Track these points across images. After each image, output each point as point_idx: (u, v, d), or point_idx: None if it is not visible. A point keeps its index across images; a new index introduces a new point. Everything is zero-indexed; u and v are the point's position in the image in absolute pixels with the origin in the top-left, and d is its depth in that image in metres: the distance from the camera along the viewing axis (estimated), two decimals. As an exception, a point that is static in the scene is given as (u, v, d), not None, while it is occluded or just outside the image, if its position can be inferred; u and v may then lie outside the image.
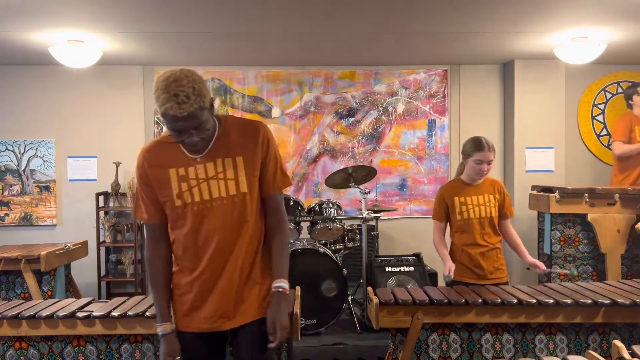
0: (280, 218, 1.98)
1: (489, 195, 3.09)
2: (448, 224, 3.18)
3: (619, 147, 4.92)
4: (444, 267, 2.99)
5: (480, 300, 2.50)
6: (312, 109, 5.53)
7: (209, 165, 1.85)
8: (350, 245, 4.46)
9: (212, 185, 1.85)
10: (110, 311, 2.34)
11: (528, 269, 3.12)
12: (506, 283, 3.07)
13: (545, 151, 5.36)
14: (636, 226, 3.65)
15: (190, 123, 1.72)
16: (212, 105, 1.80)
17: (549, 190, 4.42)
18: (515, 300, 2.50)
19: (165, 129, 2.62)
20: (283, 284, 1.91)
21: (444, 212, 3.14)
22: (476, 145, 3.05)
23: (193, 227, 1.86)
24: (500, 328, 2.55)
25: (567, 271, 3.09)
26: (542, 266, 3.07)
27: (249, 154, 1.88)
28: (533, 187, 4.73)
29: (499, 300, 2.50)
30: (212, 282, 1.87)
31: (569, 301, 2.49)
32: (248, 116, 5.37)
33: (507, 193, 3.18)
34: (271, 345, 1.84)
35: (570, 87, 5.43)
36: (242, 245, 1.88)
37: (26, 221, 5.39)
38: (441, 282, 4.72)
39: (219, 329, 1.90)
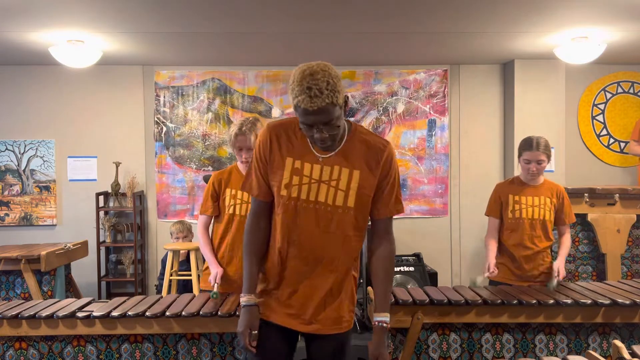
0: (390, 244, 1.93)
1: (545, 197, 3.04)
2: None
3: (631, 148, 4.98)
4: (486, 266, 2.96)
5: (480, 301, 2.50)
6: (312, 109, 5.52)
7: (326, 168, 1.82)
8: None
9: (322, 189, 1.82)
10: (110, 311, 2.33)
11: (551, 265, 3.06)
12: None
13: (545, 151, 5.35)
14: None
15: (321, 117, 1.70)
16: (346, 103, 1.78)
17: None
18: (515, 300, 2.50)
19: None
20: (386, 318, 1.88)
21: (499, 208, 3.11)
22: (526, 144, 3.04)
23: (290, 221, 1.83)
24: (500, 328, 2.55)
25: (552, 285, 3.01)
26: (562, 275, 2.92)
27: (367, 171, 1.84)
28: (533, 187, 4.72)
29: (499, 300, 2.50)
30: (298, 282, 1.85)
31: (569, 301, 2.49)
32: (248, 116, 5.37)
33: (567, 199, 3.10)
34: None
35: (570, 87, 5.43)
36: (335, 258, 1.85)
37: (26, 221, 5.39)
38: (441, 282, 4.73)
39: (294, 328, 1.88)
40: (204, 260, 2.83)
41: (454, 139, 5.58)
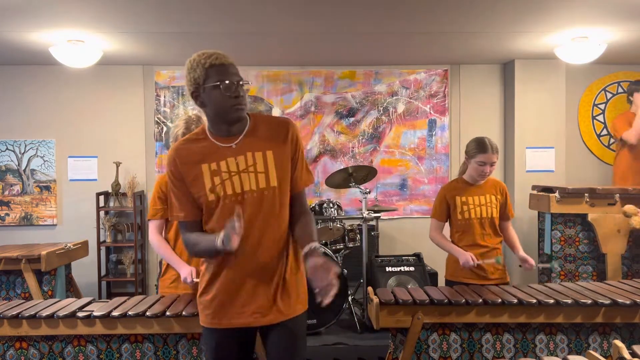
0: (307, 211, 1.99)
1: (490, 195, 3.09)
2: (447, 224, 3.18)
3: (630, 135, 4.82)
4: (461, 257, 2.95)
5: (480, 300, 2.50)
6: (313, 108, 5.53)
7: (239, 158, 1.87)
8: (351, 245, 4.46)
9: (244, 178, 1.87)
10: (111, 311, 2.33)
11: (520, 266, 3.10)
12: (507, 284, 3.07)
13: (545, 151, 5.36)
14: (624, 208, 3.59)
15: (237, 74, 1.85)
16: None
17: (549, 190, 4.41)
18: (515, 300, 2.50)
19: (168, 137, 2.62)
20: (316, 244, 1.84)
21: (445, 211, 3.14)
22: (480, 146, 3.04)
23: (225, 219, 1.82)
24: (500, 328, 2.55)
25: (548, 265, 3.09)
26: (532, 262, 3.02)
27: (278, 149, 1.90)
28: (533, 187, 4.73)
29: (500, 300, 2.50)
30: (244, 276, 1.87)
31: (569, 301, 2.49)
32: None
33: (508, 194, 3.19)
34: (325, 301, 1.72)
35: (570, 87, 5.43)
36: (273, 239, 1.89)
37: (26, 221, 5.39)
38: (442, 282, 4.72)
39: (253, 324, 1.89)
40: (160, 269, 2.73)
41: (454, 138, 5.58)
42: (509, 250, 3.27)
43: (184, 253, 2.57)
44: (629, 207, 3.66)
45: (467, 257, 2.94)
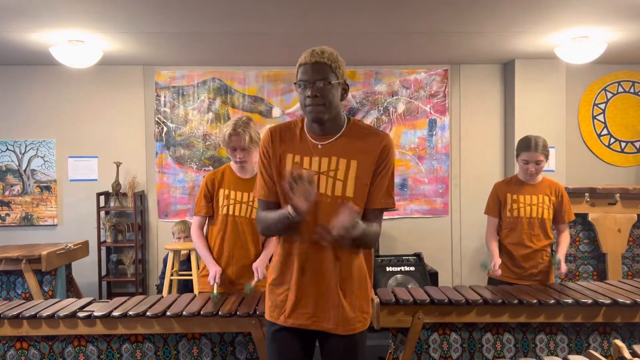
0: (375, 227, 1.89)
1: (544, 196, 3.05)
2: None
3: None
4: (492, 261, 2.99)
5: (480, 300, 2.50)
6: (313, 108, 5.52)
7: (324, 160, 1.85)
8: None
9: (322, 180, 1.84)
10: (111, 311, 2.34)
11: (551, 262, 3.06)
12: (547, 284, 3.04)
13: (546, 151, 5.35)
14: None
15: (317, 74, 1.81)
16: (346, 86, 1.89)
17: (549, 189, 4.41)
18: (516, 300, 2.50)
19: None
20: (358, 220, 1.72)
21: (497, 207, 3.12)
22: (524, 144, 3.03)
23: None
24: (501, 328, 2.55)
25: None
26: (564, 269, 2.98)
27: (364, 161, 1.86)
28: (534, 187, 4.72)
29: (500, 300, 2.50)
30: (308, 278, 1.85)
31: (569, 301, 2.49)
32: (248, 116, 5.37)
33: (567, 197, 3.10)
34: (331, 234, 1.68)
35: (570, 87, 5.43)
36: (341, 251, 1.84)
37: (27, 221, 5.39)
38: (442, 282, 4.73)
39: (311, 326, 1.87)
40: (198, 264, 2.84)
41: (455, 138, 5.58)
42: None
43: (216, 251, 2.70)
44: None
45: (493, 265, 2.96)
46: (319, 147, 1.87)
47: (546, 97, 5.32)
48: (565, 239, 3.10)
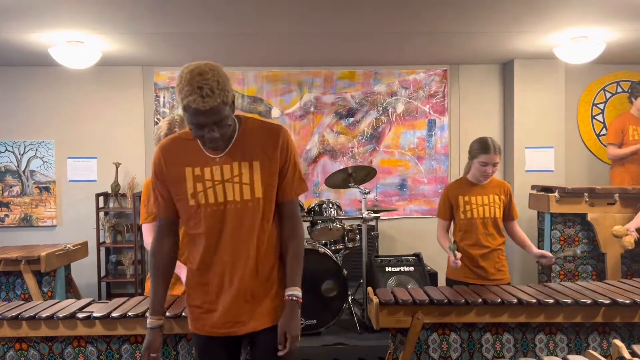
0: (296, 225, 1.94)
1: (494, 195, 3.08)
2: (452, 223, 3.18)
3: (611, 151, 5.01)
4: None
5: (480, 300, 2.50)
6: (312, 109, 5.53)
7: (225, 167, 1.82)
8: (350, 245, 4.46)
9: (227, 188, 1.82)
10: (111, 312, 2.33)
11: (537, 262, 3.10)
12: (507, 284, 3.06)
13: (545, 151, 5.36)
14: (613, 230, 3.54)
15: (212, 118, 1.69)
16: (233, 102, 1.78)
17: (548, 190, 4.42)
18: (515, 300, 2.50)
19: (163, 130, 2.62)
20: (297, 292, 1.87)
21: (449, 210, 3.14)
22: (482, 146, 3.04)
23: (206, 228, 1.83)
24: (500, 328, 2.55)
25: (570, 253, 3.06)
26: (549, 254, 3.04)
27: (266, 159, 1.84)
28: (533, 187, 4.73)
29: (499, 300, 2.50)
30: (223, 286, 1.85)
31: (569, 301, 2.49)
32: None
33: (512, 195, 3.17)
34: (280, 353, 1.82)
35: (570, 87, 5.43)
36: (256, 252, 1.85)
37: (26, 222, 5.39)
38: (442, 282, 4.72)
39: (234, 333, 1.87)
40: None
41: (454, 139, 5.58)
42: (511, 250, 3.26)
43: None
44: (618, 229, 3.61)
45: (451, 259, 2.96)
46: (217, 159, 1.83)
47: (545, 97, 5.32)
48: (523, 235, 3.18)
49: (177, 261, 2.57)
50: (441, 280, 4.82)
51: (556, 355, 2.52)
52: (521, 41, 4.62)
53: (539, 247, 4.57)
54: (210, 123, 1.70)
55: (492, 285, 2.85)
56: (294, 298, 1.86)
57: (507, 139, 5.51)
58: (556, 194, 4.25)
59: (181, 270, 2.54)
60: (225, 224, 1.83)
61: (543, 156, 5.36)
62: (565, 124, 5.40)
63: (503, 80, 5.57)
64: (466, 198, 3.09)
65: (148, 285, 2.71)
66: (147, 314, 1.93)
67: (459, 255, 2.90)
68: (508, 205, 3.13)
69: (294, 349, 1.83)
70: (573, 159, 5.49)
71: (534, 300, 2.49)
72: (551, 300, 2.49)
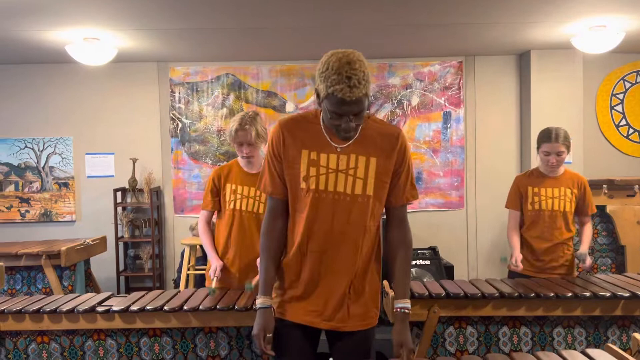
0: (406, 232, 1.92)
1: (566, 188, 3.01)
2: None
3: None
4: (512, 258, 2.96)
5: (497, 294, 2.48)
6: (326, 102, 5.51)
7: (342, 157, 1.80)
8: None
9: (340, 178, 1.79)
10: (129, 305, 2.37)
11: (574, 256, 3.04)
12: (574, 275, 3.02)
13: (562, 142, 5.29)
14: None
15: (354, 108, 1.69)
16: (368, 102, 1.80)
17: (566, 182, 4.35)
18: (532, 294, 2.48)
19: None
20: (407, 304, 1.85)
21: (518, 201, 3.09)
22: (545, 135, 3.01)
23: (311, 213, 1.80)
24: (517, 321, 2.53)
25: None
26: (589, 263, 2.96)
27: (383, 158, 1.82)
28: (550, 179, 4.67)
29: (516, 293, 2.49)
30: (319, 277, 1.83)
31: (587, 294, 2.46)
32: (262, 111, 5.39)
33: (589, 189, 3.07)
34: None
35: (588, 77, 5.34)
36: (357, 249, 1.82)
37: (46, 217, 5.48)
38: (458, 276, 4.71)
39: (316, 325, 1.86)
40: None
41: (470, 131, 5.54)
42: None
43: (221, 246, 2.72)
44: None
45: (513, 258, 2.93)
46: (338, 149, 1.81)
47: (563, 88, 5.24)
48: (588, 232, 3.07)
49: (213, 251, 2.73)
50: (458, 274, 4.80)
51: (575, 349, 2.50)
52: (538, 31, 4.55)
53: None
54: (351, 113, 1.71)
55: (558, 279, 2.82)
56: (406, 311, 1.84)
57: (524, 131, 5.45)
58: (574, 186, 4.19)
59: (212, 260, 2.69)
60: (332, 215, 1.79)
61: (561, 148, 5.28)
62: (584, 115, 5.32)
63: (519, 71, 5.50)
64: (535, 189, 3.03)
65: (206, 275, 2.81)
66: (258, 295, 1.87)
67: (517, 258, 2.90)
68: (582, 200, 3.04)
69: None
70: (591, 150, 5.41)
71: (552, 294, 2.46)
72: (569, 294, 2.47)
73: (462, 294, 2.49)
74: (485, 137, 5.53)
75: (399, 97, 5.53)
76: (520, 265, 2.91)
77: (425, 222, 5.47)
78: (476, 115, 5.53)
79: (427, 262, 4.23)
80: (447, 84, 5.53)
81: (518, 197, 3.09)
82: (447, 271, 4.36)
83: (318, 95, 1.76)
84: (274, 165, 1.86)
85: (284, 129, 1.85)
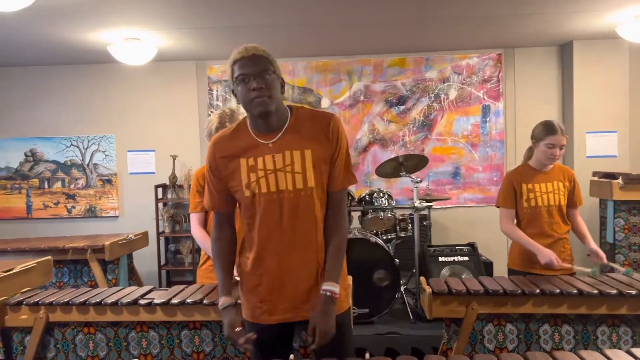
0: (340, 217, 1.93)
1: (558, 182, 2.98)
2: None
3: None
4: (542, 256, 2.83)
5: (537, 291, 2.43)
6: (362, 98, 5.50)
7: (277, 156, 1.84)
8: (402, 234, 4.42)
9: (280, 177, 1.83)
10: (170, 299, 2.42)
11: (588, 255, 2.99)
12: (573, 275, 2.95)
13: (607, 135, 5.12)
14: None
15: (256, 67, 1.78)
16: (282, 84, 1.86)
17: (611, 176, 4.22)
18: (575, 291, 2.42)
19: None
20: (333, 287, 1.84)
21: (512, 198, 3.03)
22: (548, 128, 2.95)
23: (261, 218, 1.85)
24: (559, 319, 2.47)
25: (622, 270, 2.88)
26: (604, 257, 2.92)
27: (318, 148, 1.85)
28: (594, 174, 4.54)
29: (558, 290, 2.42)
30: (281, 276, 1.87)
31: (633, 292, 2.38)
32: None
33: (577, 181, 3.05)
34: (312, 347, 1.81)
35: (634, 67, 5.14)
36: (310, 239, 1.86)
37: (91, 213, 5.67)
38: (497, 272, 4.62)
39: (292, 319, 1.90)
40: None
41: (510, 124, 5.42)
42: (573, 239, 3.14)
43: None
44: None
45: (549, 256, 2.82)
46: (270, 145, 1.85)
47: (607, 79, 5.07)
48: (584, 226, 3.05)
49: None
50: (497, 270, 4.71)
51: (620, 349, 2.42)
52: (580, 21, 4.41)
53: (601, 237, 4.39)
54: (254, 74, 1.77)
55: (552, 276, 2.77)
56: (328, 293, 1.83)
57: (566, 124, 5.29)
58: (620, 180, 4.06)
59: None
60: (282, 213, 1.84)
61: (605, 141, 5.12)
62: (630, 106, 5.12)
63: (561, 62, 5.35)
64: (529, 185, 2.98)
65: (198, 273, 2.81)
66: (218, 299, 1.93)
67: (550, 256, 2.83)
68: (572, 192, 3.01)
69: (324, 343, 1.79)
70: (638, 143, 5.21)
71: (596, 291, 2.39)
72: (614, 291, 2.39)
73: (501, 291, 2.45)
74: (526, 131, 5.31)
75: (436, 90, 5.46)
76: (558, 262, 2.82)
77: (463, 218, 5.39)
78: (516, 108, 5.40)
79: (466, 258, 4.17)
80: (485, 77, 5.42)
81: (512, 195, 3.03)
82: (486, 268, 4.28)
83: (234, 93, 1.86)
84: (212, 183, 1.93)
85: (215, 148, 1.92)
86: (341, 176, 1.91)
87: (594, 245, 2.98)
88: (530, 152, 3.09)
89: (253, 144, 1.87)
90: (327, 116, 1.91)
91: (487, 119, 5.44)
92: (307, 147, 1.85)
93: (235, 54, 1.82)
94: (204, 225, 2.73)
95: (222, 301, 1.92)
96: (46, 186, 5.66)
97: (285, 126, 1.86)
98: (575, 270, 2.90)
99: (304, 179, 1.84)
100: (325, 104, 5.50)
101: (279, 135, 1.85)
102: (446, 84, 5.45)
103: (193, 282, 5.29)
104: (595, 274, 2.68)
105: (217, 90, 5.56)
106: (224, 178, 1.90)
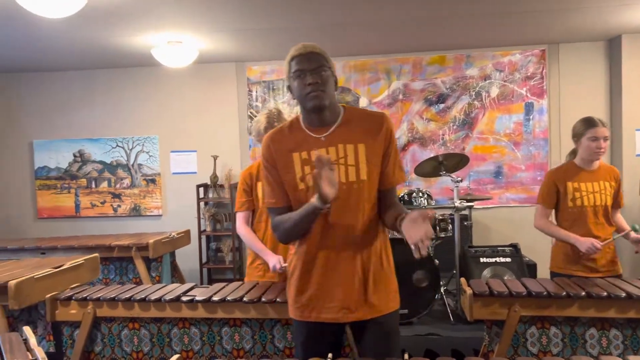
0: (396, 204, 1.92)
1: (604, 182, 2.89)
2: (553, 212, 3.00)
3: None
4: (582, 245, 2.77)
5: (583, 293, 2.35)
6: (400, 96, 5.46)
7: (330, 149, 1.86)
8: (442, 235, 4.36)
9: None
10: (211, 296, 2.47)
11: (637, 252, 2.85)
12: (618, 276, 2.85)
13: (659, 133, 4.91)
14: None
15: (311, 63, 1.82)
16: (336, 81, 1.90)
17: (663, 175, 4.04)
18: (624, 294, 2.33)
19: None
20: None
21: (554, 197, 2.95)
22: (587, 122, 2.91)
23: None
24: (607, 323, 2.39)
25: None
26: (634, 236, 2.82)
27: (371, 143, 1.87)
28: (645, 172, 4.36)
29: (605, 293, 2.34)
30: (332, 271, 1.88)
31: (687, 296, 2.28)
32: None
33: (621, 182, 2.99)
34: (420, 254, 1.59)
35: (688, 61, 4.91)
36: (361, 232, 1.87)
37: (135, 212, 5.83)
38: (541, 274, 4.50)
39: (341, 320, 1.89)
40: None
41: (554, 122, 5.26)
42: (621, 240, 3.02)
43: (269, 243, 2.71)
44: None
45: (588, 242, 2.74)
46: (322, 139, 1.86)
47: (659, 74, 4.86)
48: (624, 221, 2.98)
49: (265, 248, 2.69)
50: (541, 272, 4.59)
51: (672, 355, 2.32)
52: (629, 14, 4.24)
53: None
54: (310, 69, 1.81)
55: (598, 278, 2.68)
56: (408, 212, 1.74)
57: (614, 121, 5.11)
58: (672, 179, 3.88)
59: (268, 257, 2.67)
60: (332, 205, 1.82)
61: (657, 138, 4.91)
62: (684, 102, 4.90)
63: (609, 57, 5.16)
64: (575, 184, 2.89)
65: (248, 271, 2.86)
66: (313, 202, 1.77)
67: (594, 243, 2.76)
68: (617, 192, 2.93)
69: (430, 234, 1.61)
70: (693, 140, 4.97)
71: (646, 295, 2.30)
72: (666, 295, 2.29)
73: (544, 293, 2.38)
74: (571, 129, 5.23)
75: (477, 88, 5.36)
76: (600, 245, 2.75)
77: (506, 218, 5.27)
78: (560, 106, 5.25)
79: (508, 259, 4.07)
80: (528, 74, 5.29)
81: (554, 194, 2.94)
82: (530, 270, 4.17)
83: (290, 89, 1.91)
84: (272, 176, 1.93)
85: (270, 140, 1.94)
86: (395, 173, 1.93)
87: (634, 235, 2.86)
88: (573, 154, 3.00)
89: (306, 138, 1.90)
90: (380, 114, 1.95)
91: (531, 117, 5.31)
92: (360, 141, 1.87)
93: (293, 51, 1.87)
94: (250, 224, 2.80)
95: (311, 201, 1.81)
96: (93, 186, 5.86)
97: (338, 121, 1.90)
98: (615, 238, 2.84)
99: (357, 172, 1.86)
100: (363, 103, 5.48)
101: (331, 129, 1.88)
102: (487, 81, 5.34)
103: (233, 279, 5.38)
104: (635, 227, 2.61)
105: (256, 91, 5.63)
106: (279, 171, 1.92)
